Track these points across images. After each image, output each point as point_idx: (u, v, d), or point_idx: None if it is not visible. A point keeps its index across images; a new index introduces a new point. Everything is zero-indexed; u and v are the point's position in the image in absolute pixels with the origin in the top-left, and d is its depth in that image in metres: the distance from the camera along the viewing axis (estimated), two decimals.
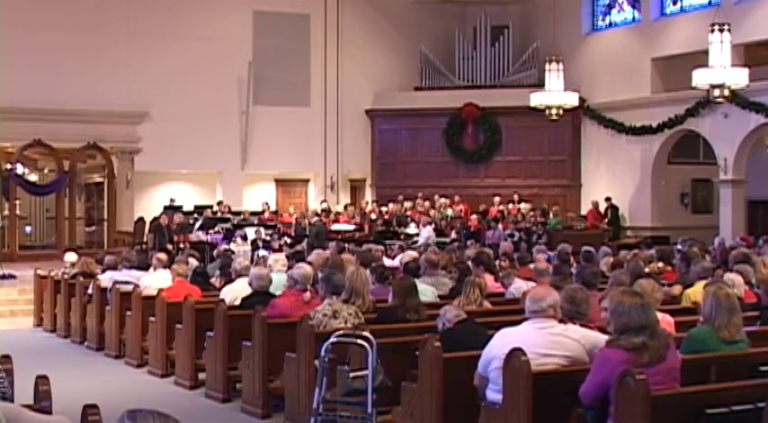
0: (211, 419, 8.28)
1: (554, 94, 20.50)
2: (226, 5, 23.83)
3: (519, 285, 9.15)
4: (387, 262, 11.94)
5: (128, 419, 2.39)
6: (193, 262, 11.74)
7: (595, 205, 22.43)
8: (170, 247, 18.10)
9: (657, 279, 8.96)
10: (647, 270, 9.67)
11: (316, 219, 20.97)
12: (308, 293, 8.12)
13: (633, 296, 4.92)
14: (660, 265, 10.49)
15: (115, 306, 11.33)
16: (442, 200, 22.90)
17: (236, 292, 9.32)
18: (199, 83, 23.18)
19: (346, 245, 15.42)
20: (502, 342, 5.28)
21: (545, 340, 5.26)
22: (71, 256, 14.47)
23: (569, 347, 5.28)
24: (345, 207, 22.90)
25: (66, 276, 13.54)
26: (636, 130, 22.38)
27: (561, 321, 5.47)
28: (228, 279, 10.44)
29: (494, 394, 5.30)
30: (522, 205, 22.46)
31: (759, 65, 19.15)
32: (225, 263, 11.37)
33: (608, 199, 22.37)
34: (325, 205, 22.87)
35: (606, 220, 22.16)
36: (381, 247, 14.86)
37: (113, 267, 12.36)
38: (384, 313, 7.49)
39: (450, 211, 22.28)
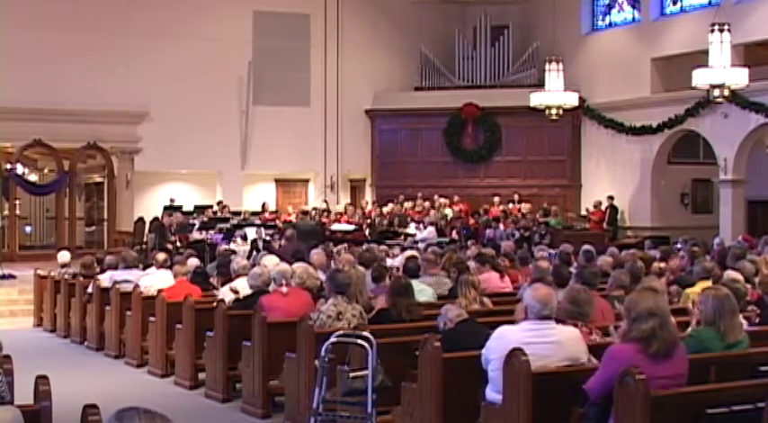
0: (211, 419, 8.28)
1: (554, 94, 20.50)
2: (226, 5, 23.83)
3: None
4: (388, 262, 11.94)
5: (115, 420, 2.37)
6: (194, 261, 11.74)
7: (596, 205, 22.37)
8: (170, 246, 18.09)
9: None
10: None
11: (305, 218, 20.73)
12: (284, 288, 8.38)
13: (647, 290, 4.98)
14: (662, 265, 10.47)
15: (115, 306, 11.34)
16: (442, 200, 22.90)
17: (229, 293, 9.36)
18: (199, 83, 23.18)
19: (334, 247, 15.08)
20: (500, 343, 5.29)
21: (544, 342, 5.26)
22: (64, 256, 14.49)
23: (569, 350, 5.29)
24: (345, 207, 22.91)
25: (66, 276, 13.55)
26: (636, 130, 22.38)
27: (559, 322, 5.47)
28: (225, 278, 10.46)
29: (493, 394, 5.30)
30: (523, 205, 22.47)
31: (759, 65, 19.15)
32: (222, 262, 11.39)
33: (610, 197, 22.35)
34: (324, 205, 22.86)
35: (605, 220, 22.16)
36: (384, 248, 14.84)
37: (113, 267, 12.37)
38: (378, 315, 7.52)
39: (449, 211, 22.28)
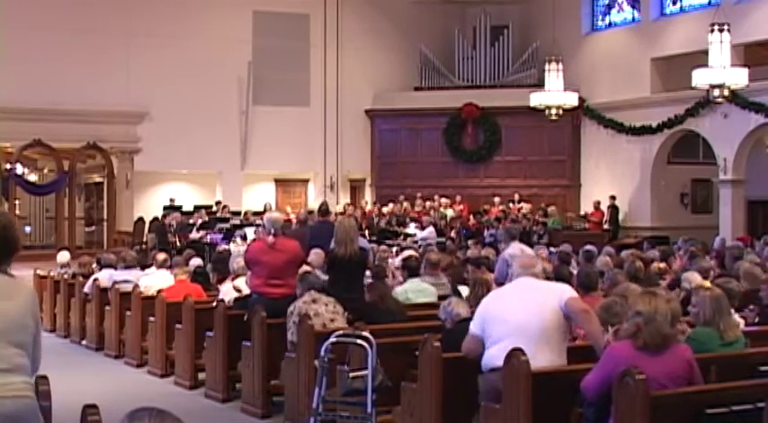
0: (211, 419, 8.28)
1: (554, 94, 20.52)
2: (226, 5, 23.83)
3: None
4: (390, 262, 11.94)
5: (127, 419, 2.40)
6: (195, 261, 11.74)
7: (596, 205, 22.38)
8: (170, 246, 18.09)
9: (656, 280, 8.98)
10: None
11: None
12: (270, 237, 8.32)
13: (643, 292, 5.04)
14: (661, 265, 10.48)
15: (115, 306, 11.34)
16: (442, 200, 22.89)
17: (231, 292, 9.37)
18: (199, 83, 23.17)
19: None
20: (488, 298, 5.71)
21: (524, 290, 5.52)
22: (63, 256, 14.49)
23: (547, 293, 5.51)
24: (345, 207, 22.87)
25: (65, 276, 13.55)
26: (636, 130, 22.38)
27: None
28: (222, 276, 10.47)
29: (493, 354, 5.35)
30: (523, 205, 22.46)
31: (759, 65, 19.15)
32: (218, 258, 11.41)
33: (612, 197, 22.34)
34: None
35: (606, 220, 22.17)
36: (385, 247, 14.82)
37: (109, 266, 12.40)
38: (365, 310, 7.65)
39: (450, 212, 22.28)
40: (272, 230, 8.33)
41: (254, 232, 18.70)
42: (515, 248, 8.84)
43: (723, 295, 5.75)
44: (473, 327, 5.59)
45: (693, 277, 8.16)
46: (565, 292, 5.55)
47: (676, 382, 4.78)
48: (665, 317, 4.79)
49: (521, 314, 5.35)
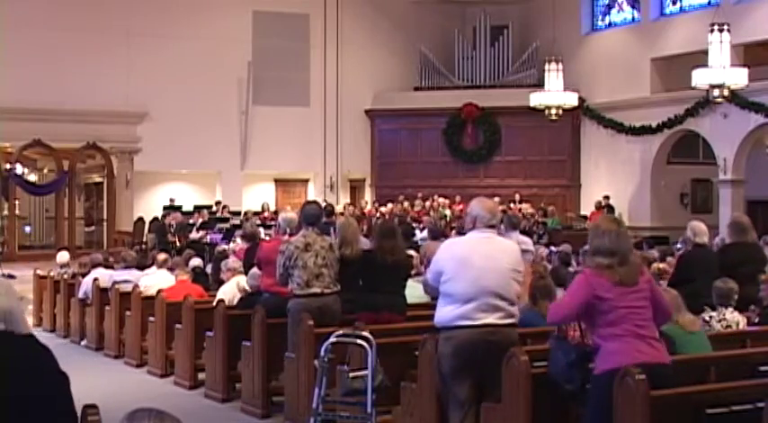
0: (211, 419, 8.28)
1: (554, 94, 20.54)
2: (225, 5, 23.83)
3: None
4: None
5: (126, 420, 2.40)
6: (195, 261, 11.73)
7: (597, 205, 22.38)
8: (170, 246, 18.09)
9: (656, 280, 8.98)
10: None
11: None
12: (286, 236, 8.24)
13: (611, 223, 5.01)
14: (661, 265, 10.47)
15: (115, 306, 11.34)
16: (441, 200, 22.89)
17: (234, 291, 9.36)
18: (198, 83, 23.18)
19: None
20: (450, 252, 5.59)
21: (489, 246, 5.53)
22: (63, 256, 14.49)
23: (513, 258, 5.55)
24: (345, 207, 22.88)
25: (65, 276, 13.55)
26: (635, 130, 22.39)
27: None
28: (217, 276, 10.45)
29: (444, 308, 5.48)
30: (523, 205, 22.46)
31: (759, 65, 19.16)
32: (217, 258, 11.40)
33: (606, 197, 22.32)
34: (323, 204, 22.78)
35: None
36: None
37: (97, 265, 12.43)
38: (364, 258, 7.58)
39: (449, 212, 22.27)
40: (288, 230, 8.28)
41: None
42: (514, 240, 8.86)
43: (677, 295, 5.81)
44: (431, 278, 5.70)
45: (699, 229, 8.20)
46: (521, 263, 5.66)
47: (647, 307, 4.76)
48: (633, 252, 4.92)
49: (483, 273, 5.42)
